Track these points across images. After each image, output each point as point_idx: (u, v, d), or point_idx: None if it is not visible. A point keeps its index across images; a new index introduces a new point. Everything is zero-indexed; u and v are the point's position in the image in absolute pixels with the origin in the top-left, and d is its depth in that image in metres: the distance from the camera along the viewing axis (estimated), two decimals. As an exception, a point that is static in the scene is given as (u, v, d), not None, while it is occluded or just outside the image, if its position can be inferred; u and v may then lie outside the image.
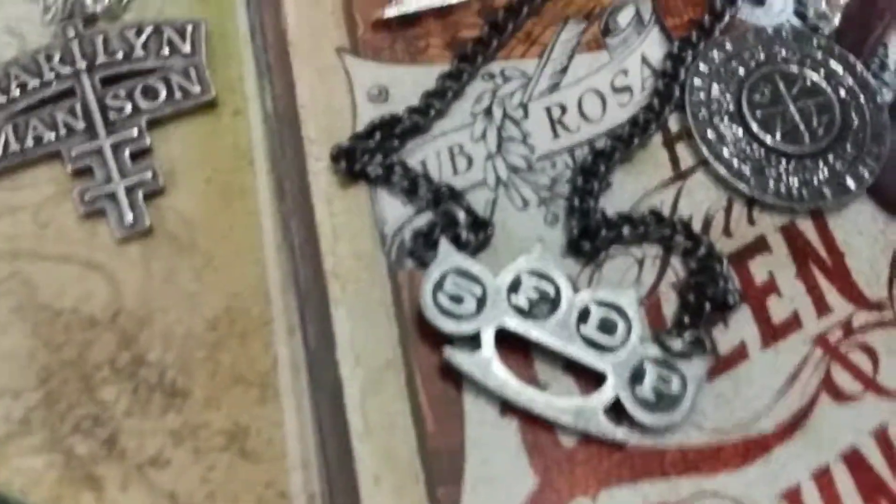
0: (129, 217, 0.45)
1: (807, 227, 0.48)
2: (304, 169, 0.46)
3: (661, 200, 0.47)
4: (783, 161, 0.47)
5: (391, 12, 0.49)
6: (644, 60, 0.50)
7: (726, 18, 0.51)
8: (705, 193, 0.48)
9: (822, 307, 0.46)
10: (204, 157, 0.46)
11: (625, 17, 0.51)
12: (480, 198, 0.47)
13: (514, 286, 0.42)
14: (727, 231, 0.46)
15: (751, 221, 0.46)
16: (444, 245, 0.42)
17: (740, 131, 0.47)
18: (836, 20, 0.53)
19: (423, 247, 0.43)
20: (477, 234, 0.43)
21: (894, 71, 0.51)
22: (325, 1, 0.51)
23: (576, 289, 0.43)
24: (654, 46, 0.52)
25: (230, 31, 0.50)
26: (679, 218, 0.45)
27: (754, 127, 0.47)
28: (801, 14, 0.53)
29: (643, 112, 0.48)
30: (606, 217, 0.45)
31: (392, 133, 0.47)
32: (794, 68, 0.49)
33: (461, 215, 0.43)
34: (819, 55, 0.51)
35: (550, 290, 0.42)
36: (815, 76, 0.49)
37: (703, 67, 0.50)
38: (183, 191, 0.46)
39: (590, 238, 0.44)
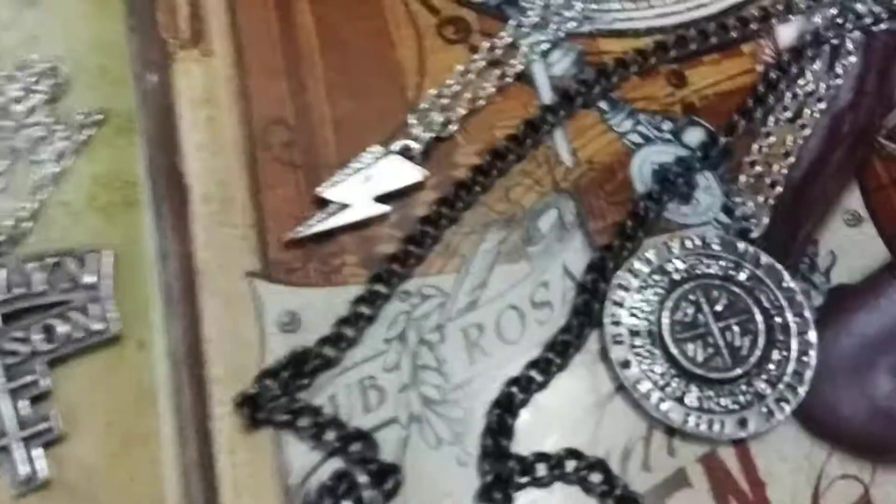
0: (25, 471, 0.44)
1: (728, 455, 0.47)
2: (207, 413, 0.45)
3: (580, 431, 0.44)
4: (704, 387, 0.45)
5: (302, 232, 0.47)
6: (566, 271, 0.49)
7: (647, 224, 0.49)
8: (625, 423, 0.47)
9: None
10: (106, 398, 0.45)
11: (546, 221, 0.50)
12: (392, 436, 0.46)
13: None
14: (646, 465, 0.44)
15: (670, 452, 0.44)
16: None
17: (659, 354, 0.45)
18: (765, 219, 0.52)
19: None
20: (384, 483, 0.41)
21: (824, 271, 0.49)
22: (236, 220, 0.50)
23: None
24: (576, 254, 0.51)
25: (138, 254, 0.49)
26: (594, 457, 0.43)
27: (674, 350, 0.45)
28: (729, 210, 0.52)
29: (560, 334, 0.46)
30: (521, 458, 0.43)
31: (301, 371, 0.46)
32: (718, 283, 0.47)
33: (363, 478, 0.41)
34: (746, 267, 0.51)
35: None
36: (740, 291, 0.47)
37: (622, 281, 0.50)
38: (84, 436, 0.45)
39: (502, 485, 0.42)
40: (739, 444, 0.47)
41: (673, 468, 0.45)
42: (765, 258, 0.51)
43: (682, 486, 0.45)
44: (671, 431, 0.46)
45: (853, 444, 0.47)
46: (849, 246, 0.53)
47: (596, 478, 0.45)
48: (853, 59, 0.56)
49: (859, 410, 0.48)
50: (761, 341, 0.47)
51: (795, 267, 0.52)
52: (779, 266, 0.49)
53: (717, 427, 0.45)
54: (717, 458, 0.46)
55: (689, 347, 0.46)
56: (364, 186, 0.49)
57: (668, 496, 0.44)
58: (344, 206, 0.50)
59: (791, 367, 0.46)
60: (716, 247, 0.51)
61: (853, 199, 0.55)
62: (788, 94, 0.55)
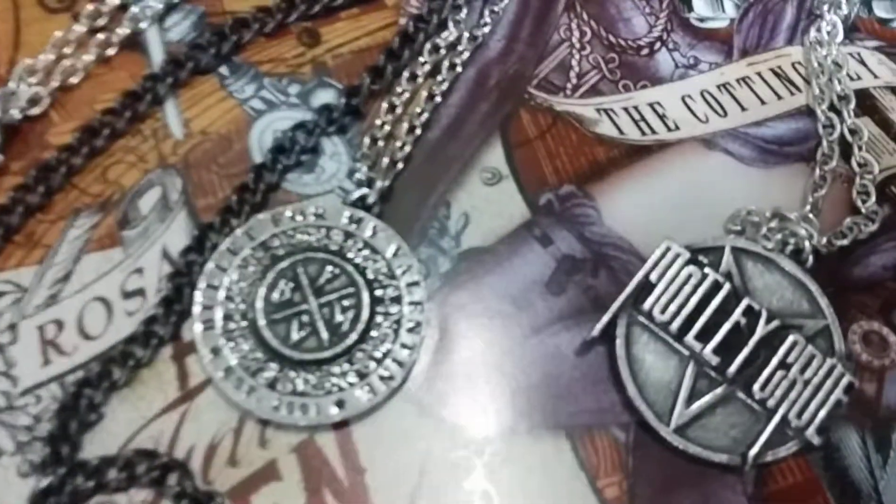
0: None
1: (328, 442, 0.43)
2: None
3: (162, 430, 0.41)
4: (299, 370, 0.42)
5: None
6: (165, 255, 0.45)
7: (258, 197, 0.46)
8: (214, 415, 0.44)
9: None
10: None
11: (148, 201, 0.46)
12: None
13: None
14: (233, 460, 0.41)
15: (262, 444, 0.41)
16: None
17: (252, 338, 0.42)
18: (383, 184, 0.51)
19: None
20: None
21: (454, 235, 0.47)
22: None
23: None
24: (178, 236, 0.48)
25: None
26: (169, 456, 0.40)
27: (267, 333, 0.42)
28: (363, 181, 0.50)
29: (145, 325, 0.43)
30: (83, 464, 0.39)
31: None
32: (323, 256, 0.44)
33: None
34: (355, 237, 0.49)
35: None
36: (344, 264, 0.44)
37: (218, 262, 0.47)
38: None
39: (56, 494, 0.38)
40: (341, 429, 0.43)
41: (263, 461, 0.42)
42: (377, 225, 0.48)
43: (270, 479, 0.42)
44: (265, 421, 0.42)
45: (473, 419, 0.45)
46: (485, 206, 0.51)
47: (172, 478, 0.42)
48: (505, 3, 0.52)
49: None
50: (365, 316, 0.43)
51: (424, 232, 0.49)
52: (392, 233, 0.45)
53: (312, 412, 0.42)
54: (315, 446, 0.43)
55: (284, 328, 0.43)
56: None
57: (253, 492, 0.41)
58: None
59: (399, 342, 0.42)
60: (325, 217, 0.48)
61: (493, 156, 0.52)
62: (428, 47, 0.50)
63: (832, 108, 0.53)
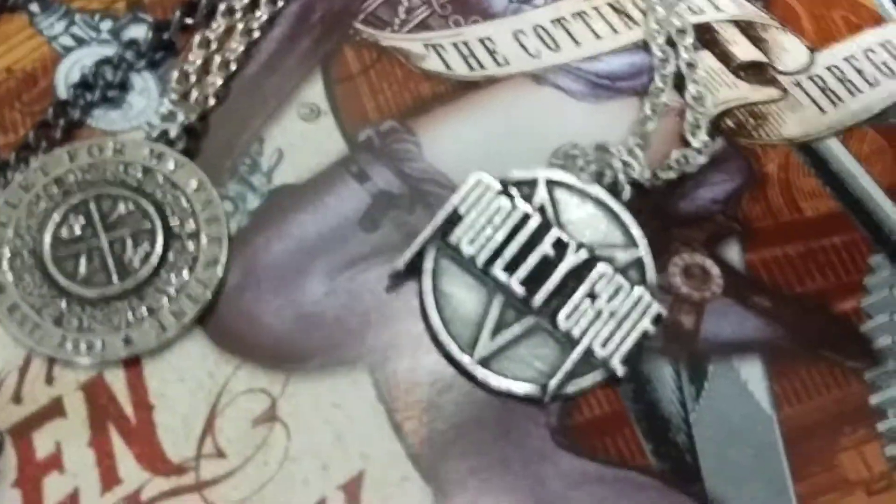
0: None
1: (116, 379, 0.44)
2: None
3: None
4: (86, 307, 0.43)
5: None
6: None
7: (59, 133, 0.47)
8: (0, 351, 0.43)
9: (110, 480, 0.44)
10: None
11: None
12: None
13: None
14: (17, 397, 0.42)
15: (49, 381, 0.42)
16: None
17: (38, 275, 0.43)
18: (186, 118, 0.52)
19: None
20: None
21: (266, 171, 0.47)
22: None
23: None
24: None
25: None
26: None
27: (52, 269, 0.43)
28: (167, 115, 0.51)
29: None
30: None
31: None
32: (118, 191, 0.45)
33: None
34: (154, 171, 0.50)
35: None
36: (140, 199, 0.45)
37: (3, 199, 0.48)
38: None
39: None
40: (132, 367, 0.44)
41: (48, 398, 0.43)
42: (177, 160, 0.50)
43: (54, 416, 0.42)
44: (52, 359, 0.43)
45: (272, 355, 0.46)
46: (301, 142, 0.52)
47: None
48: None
49: (284, 318, 0.47)
50: (158, 251, 0.43)
51: (234, 169, 0.50)
52: (193, 167, 0.47)
53: (98, 348, 0.42)
54: (104, 383, 0.44)
55: (71, 264, 0.43)
56: None
57: (35, 429, 0.42)
58: None
59: (194, 278, 0.43)
60: (124, 153, 0.50)
61: (313, 91, 0.53)
62: None
63: (669, 41, 0.53)
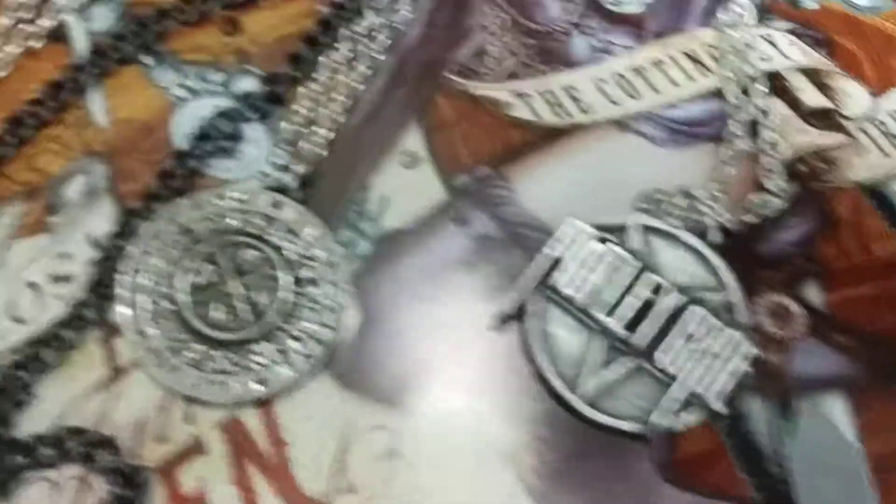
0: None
1: (251, 417, 0.48)
2: None
3: (91, 408, 0.47)
4: (220, 349, 0.47)
5: None
6: (91, 240, 0.50)
7: (180, 182, 0.51)
8: (141, 393, 0.49)
9: (252, 513, 0.44)
10: None
11: (72, 188, 0.51)
12: None
13: None
14: (162, 436, 0.46)
15: (188, 420, 0.46)
16: None
17: (175, 319, 0.47)
18: (303, 169, 0.55)
19: None
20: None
21: (374, 218, 0.51)
22: None
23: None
24: (104, 221, 0.53)
25: None
26: (98, 433, 0.45)
27: (188, 314, 0.47)
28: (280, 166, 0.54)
29: (74, 308, 0.47)
30: (17, 441, 0.44)
31: None
32: (244, 239, 0.49)
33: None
34: (275, 220, 0.53)
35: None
36: (263, 246, 0.49)
37: (142, 245, 0.52)
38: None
39: None
40: (264, 406, 0.48)
41: (190, 436, 0.47)
42: (296, 209, 0.53)
43: (195, 454, 0.46)
44: (190, 399, 0.46)
45: (392, 393, 0.51)
46: (403, 189, 0.55)
47: (101, 454, 0.47)
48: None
49: (400, 358, 0.52)
50: (284, 297, 0.48)
51: (344, 215, 0.53)
52: (311, 216, 0.51)
53: (235, 389, 0.46)
54: (239, 421, 0.48)
55: (206, 309, 0.48)
56: None
57: (180, 465, 0.46)
58: None
59: (319, 322, 0.47)
60: (246, 201, 0.53)
61: (411, 139, 0.56)
62: (346, 34, 0.55)
63: (742, 89, 0.57)
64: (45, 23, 0.54)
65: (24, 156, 0.53)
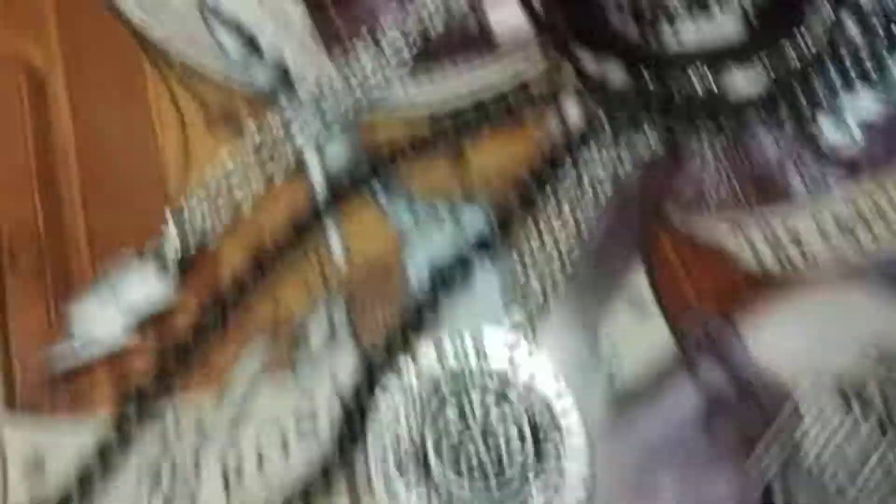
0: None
1: None
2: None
3: None
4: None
5: (55, 366, 0.49)
6: (333, 378, 0.53)
7: (421, 324, 0.52)
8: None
9: None
10: None
11: (314, 325, 0.52)
12: None
13: None
14: None
15: None
16: None
17: (422, 473, 0.48)
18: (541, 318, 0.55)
19: None
20: None
21: (606, 369, 0.52)
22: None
23: None
24: (345, 360, 0.54)
25: None
26: None
27: (437, 470, 0.50)
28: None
29: (322, 462, 0.49)
30: None
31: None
32: (485, 387, 0.51)
33: None
34: (515, 371, 0.53)
35: None
36: (510, 401, 0.52)
37: (386, 393, 0.52)
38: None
39: None
40: None
41: None
42: (536, 362, 0.54)
43: None
44: None
45: None
46: (631, 334, 0.56)
47: None
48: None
49: None
50: (528, 452, 0.49)
51: (578, 364, 0.54)
52: (551, 369, 0.51)
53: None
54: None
55: (451, 459, 0.49)
56: (115, 309, 0.50)
57: None
58: (93, 338, 0.51)
59: (565, 478, 0.48)
60: (487, 357, 0.53)
61: (637, 281, 0.58)
62: (572, 170, 0.57)
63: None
64: (286, 161, 0.54)
65: (269, 293, 0.55)
